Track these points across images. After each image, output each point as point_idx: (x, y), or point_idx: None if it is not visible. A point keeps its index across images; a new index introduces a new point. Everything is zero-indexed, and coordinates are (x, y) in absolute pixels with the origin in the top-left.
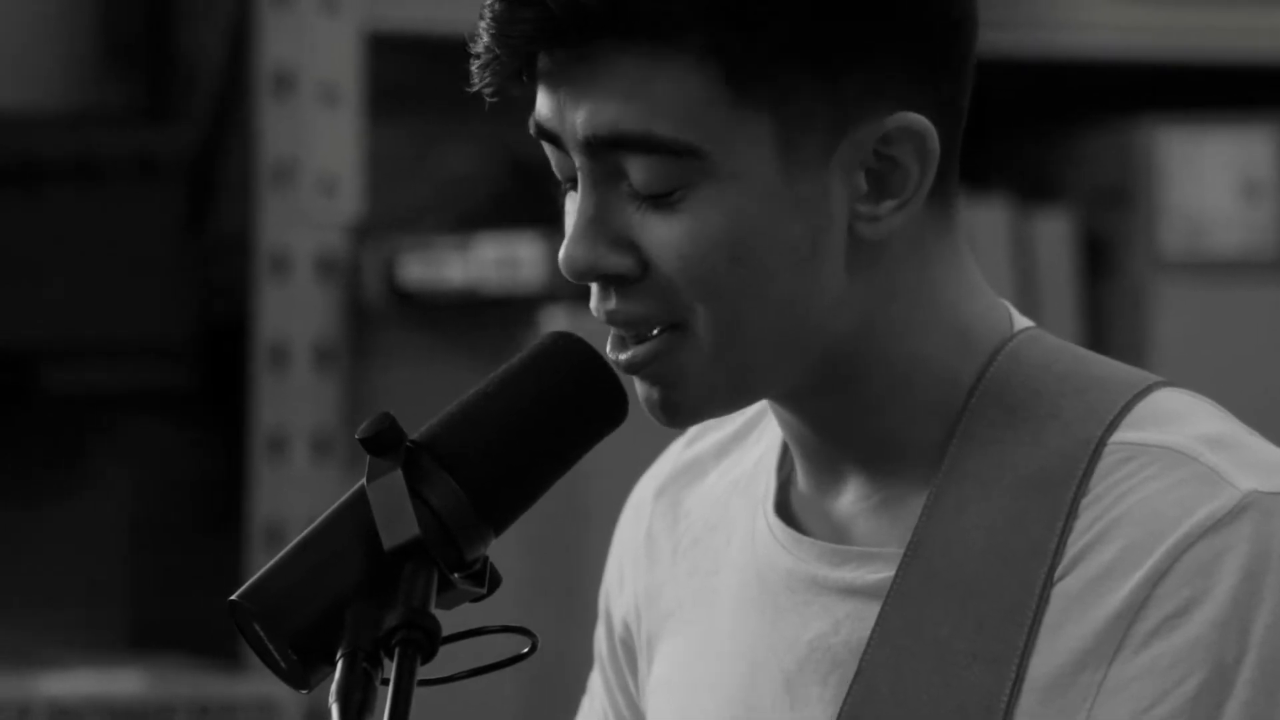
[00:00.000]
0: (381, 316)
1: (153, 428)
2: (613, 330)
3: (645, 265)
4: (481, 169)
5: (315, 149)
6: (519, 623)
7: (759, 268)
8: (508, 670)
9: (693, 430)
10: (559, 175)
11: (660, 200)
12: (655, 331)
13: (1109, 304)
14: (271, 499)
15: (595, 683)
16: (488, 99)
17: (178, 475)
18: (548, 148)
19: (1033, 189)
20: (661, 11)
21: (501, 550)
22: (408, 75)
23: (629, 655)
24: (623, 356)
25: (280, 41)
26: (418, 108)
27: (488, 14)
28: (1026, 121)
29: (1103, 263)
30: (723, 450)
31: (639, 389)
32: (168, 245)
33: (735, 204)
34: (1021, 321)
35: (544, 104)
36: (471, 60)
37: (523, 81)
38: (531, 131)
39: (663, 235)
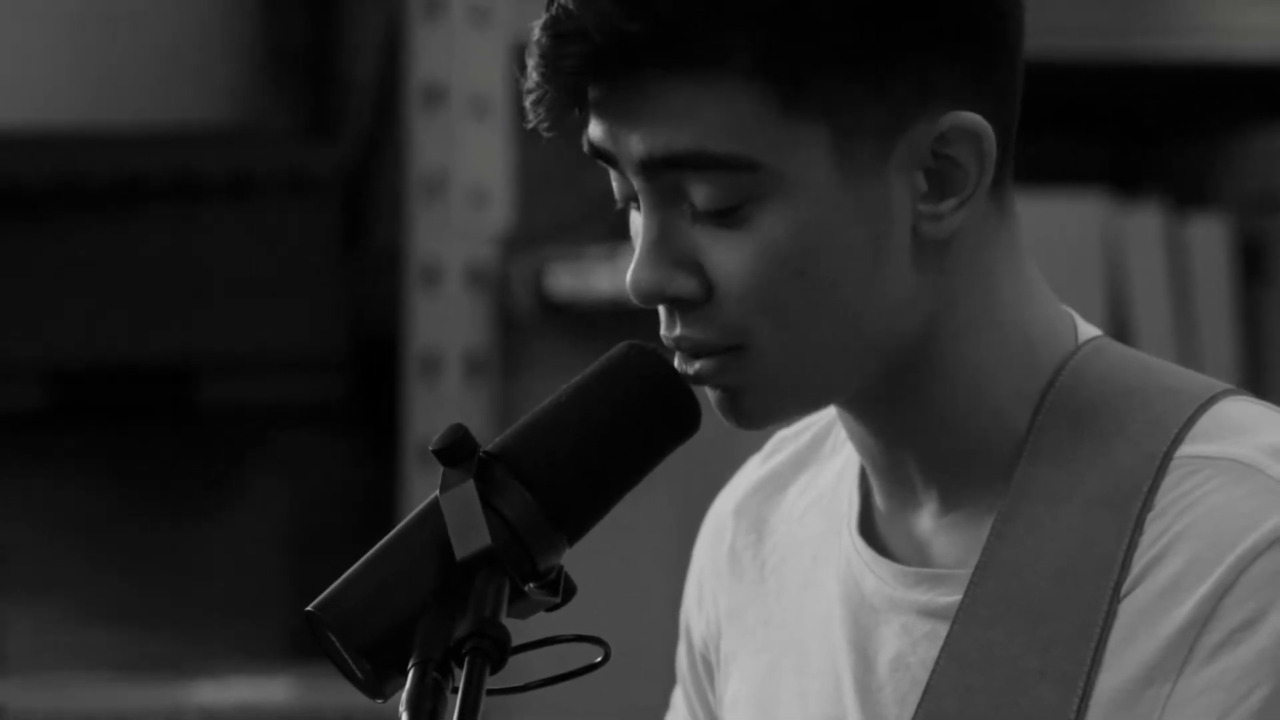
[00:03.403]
0: (531, 327)
1: (308, 439)
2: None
3: (709, 287)
4: None
5: (465, 161)
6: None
7: (823, 278)
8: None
9: (769, 445)
10: (617, 196)
11: (723, 218)
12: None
13: (1265, 309)
14: None
15: (677, 698)
16: (544, 134)
17: (332, 486)
18: (606, 167)
19: (1187, 195)
20: (705, 35)
21: (657, 548)
22: None
23: (709, 671)
24: (689, 370)
25: (431, 55)
26: None
27: (535, 49)
28: (1180, 127)
29: (1258, 268)
30: (800, 463)
31: (709, 394)
32: (322, 259)
33: (797, 215)
34: (1087, 330)
35: (596, 129)
36: (524, 96)
37: (576, 113)
38: (586, 152)
39: (728, 254)
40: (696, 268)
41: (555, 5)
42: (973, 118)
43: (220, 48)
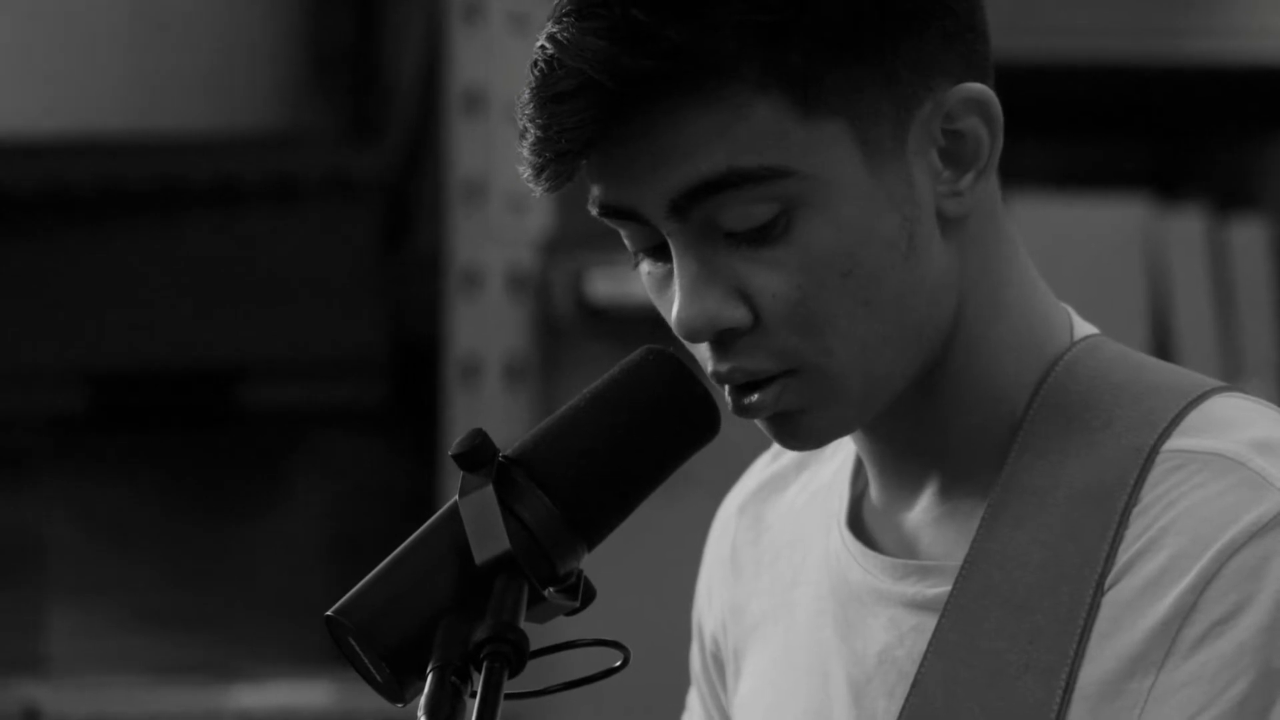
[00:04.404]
0: (570, 331)
1: (349, 443)
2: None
3: (756, 314)
4: None
5: (505, 166)
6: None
7: (867, 276)
8: None
9: (777, 445)
10: (631, 247)
11: (761, 236)
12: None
13: None
14: None
15: (692, 699)
16: (549, 193)
17: (374, 489)
18: (616, 223)
19: (1229, 197)
20: (712, 51)
21: (681, 552)
22: None
23: (719, 670)
24: (746, 401)
25: (470, 61)
26: None
27: (536, 117)
28: (1222, 130)
29: None
30: (803, 462)
31: (760, 425)
32: (364, 264)
33: (835, 215)
34: (1083, 329)
35: (611, 188)
36: (522, 168)
37: (582, 172)
38: (595, 214)
39: (771, 275)
40: (741, 296)
41: (538, 68)
42: (976, 87)
43: (264, 53)
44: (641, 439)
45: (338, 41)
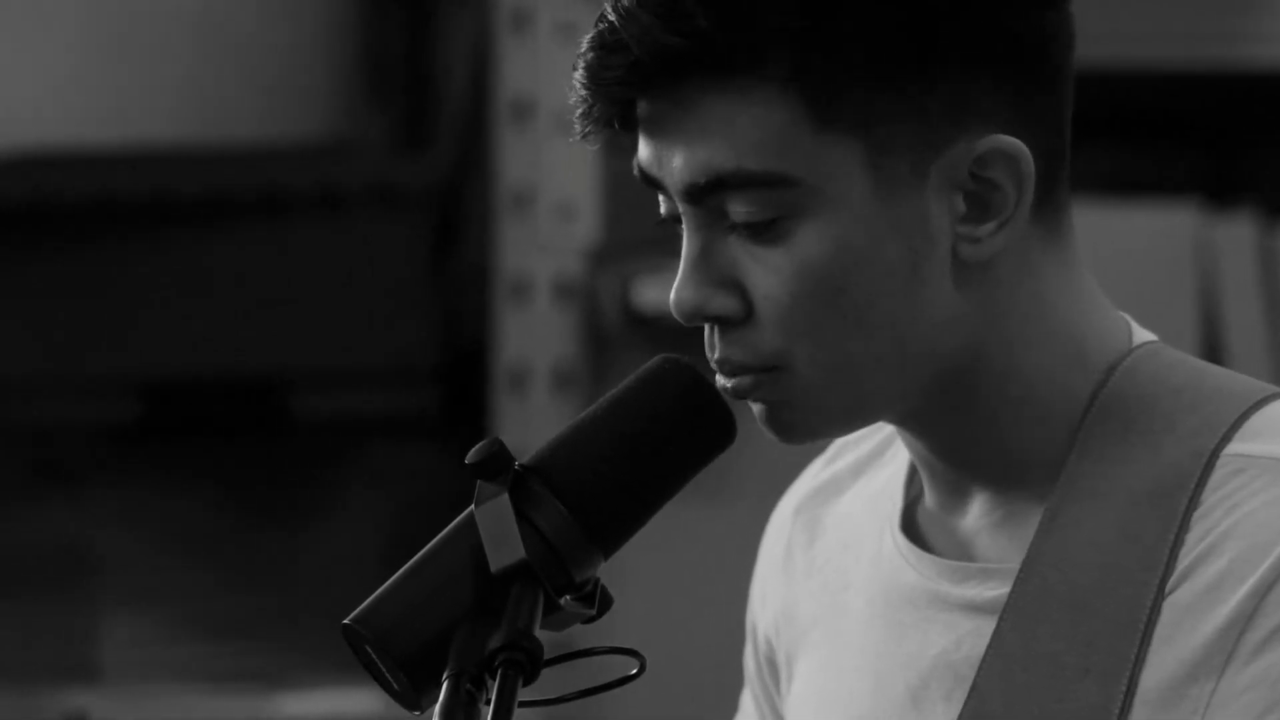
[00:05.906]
0: (618, 339)
1: (399, 452)
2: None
3: (749, 307)
4: None
5: (553, 175)
6: None
7: (860, 297)
8: None
9: (832, 449)
10: (663, 212)
11: (763, 233)
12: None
13: None
14: None
15: (746, 700)
16: (589, 145)
17: (423, 497)
18: (653, 190)
19: None
20: (741, 43)
21: (706, 560)
22: None
23: (773, 671)
24: (728, 384)
25: (518, 70)
26: None
27: (580, 63)
28: (1273, 136)
29: None
30: (860, 469)
31: (753, 408)
32: (413, 273)
33: (834, 231)
34: (1142, 335)
35: (644, 152)
36: (572, 108)
37: (616, 128)
38: (636, 176)
39: (767, 275)
40: (737, 287)
41: (602, 21)
42: (1010, 141)
43: (313, 64)
44: (658, 447)
45: (387, 52)
